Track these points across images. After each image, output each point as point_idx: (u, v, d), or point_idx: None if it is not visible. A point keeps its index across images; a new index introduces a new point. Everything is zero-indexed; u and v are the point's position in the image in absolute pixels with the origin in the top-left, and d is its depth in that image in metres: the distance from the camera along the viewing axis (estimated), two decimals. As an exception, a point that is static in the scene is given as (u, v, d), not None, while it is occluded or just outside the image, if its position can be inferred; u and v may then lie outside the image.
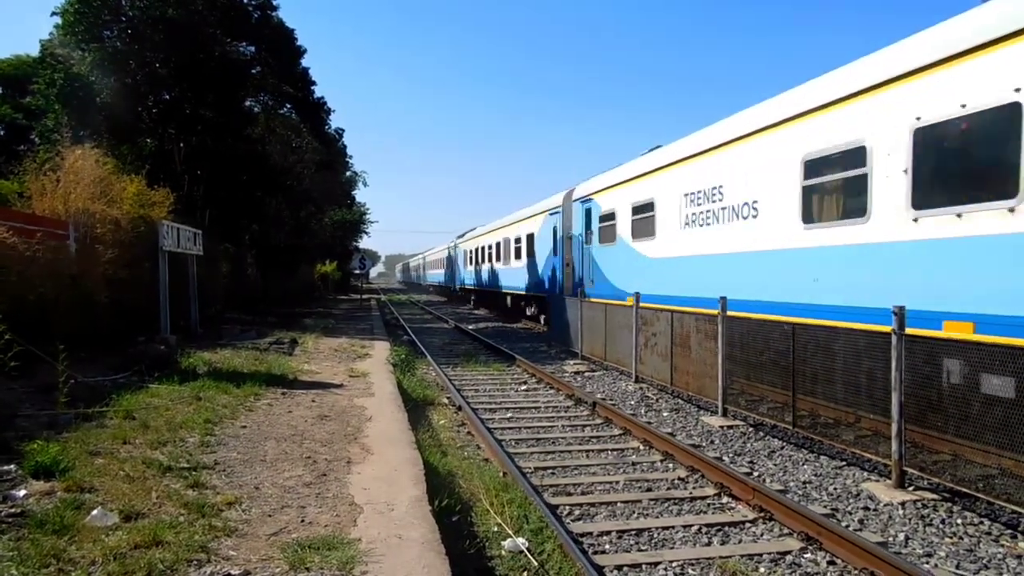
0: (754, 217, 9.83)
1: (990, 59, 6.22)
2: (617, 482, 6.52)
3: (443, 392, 11.21)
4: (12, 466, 5.19)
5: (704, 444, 7.93)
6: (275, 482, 5.38)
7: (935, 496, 5.92)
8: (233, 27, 22.14)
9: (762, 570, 4.63)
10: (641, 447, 7.85)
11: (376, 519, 4.59)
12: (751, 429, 8.50)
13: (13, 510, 4.41)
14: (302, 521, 4.53)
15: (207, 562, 3.83)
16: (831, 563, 4.71)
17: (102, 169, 13.46)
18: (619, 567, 4.66)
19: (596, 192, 16.72)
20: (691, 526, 5.36)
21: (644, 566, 4.68)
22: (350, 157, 42.56)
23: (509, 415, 9.60)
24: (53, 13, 19.50)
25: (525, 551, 4.72)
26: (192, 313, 15.95)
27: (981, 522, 5.44)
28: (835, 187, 8.42)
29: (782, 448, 7.72)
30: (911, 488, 6.12)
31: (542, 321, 22.78)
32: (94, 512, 4.34)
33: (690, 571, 4.62)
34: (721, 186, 10.73)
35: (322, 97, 27.34)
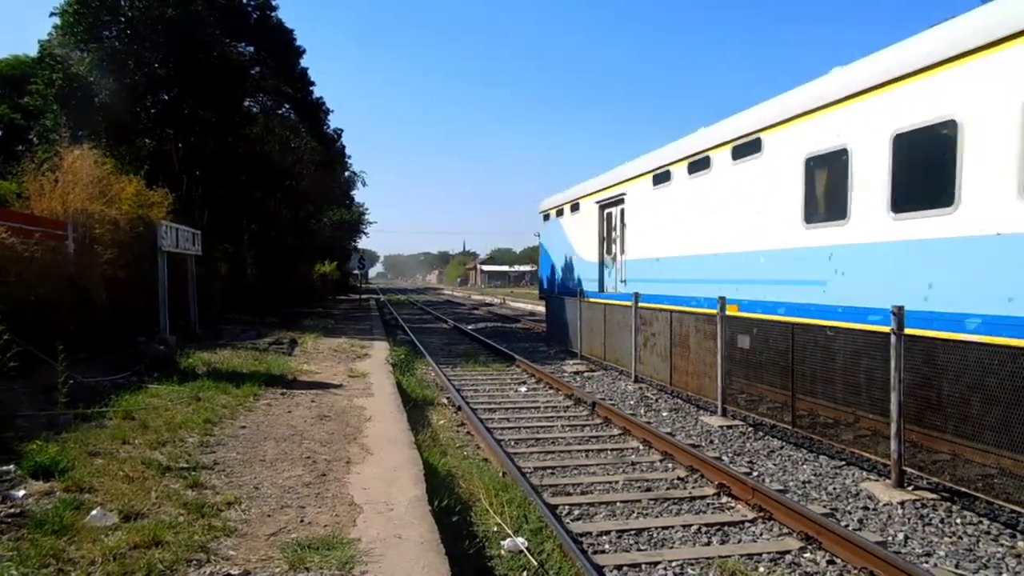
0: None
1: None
2: (616, 482, 6.52)
3: (442, 392, 11.21)
4: (11, 466, 5.18)
5: (703, 444, 7.93)
6: (274, 482, 5.38)
7: (934, 496, 5.93)
8: (232, 27, 22.15)
9: (761, 570, 4.64)
10: (640, 447, 7.85)
11: (376, 519, 4.59)
12: (750, 429, 8.50)
13: (12, 510, 4.40)
14: (301, 521, 4.53)
15: (206, 562, 3.83)
16: (830, 562, 4.72)
17: (101, 169, 13.45)
18: (618, 567, 4.67)
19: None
20: (690, 526, 5.36)
21: (643, 566, 4.68)
22: (349, 157, 42.64)
23: (508, 415, 9.60)
24: (52, 13, 19.52)
25: (524, 551, 4.72)
26: (191, 313, 15.92)
27: (980, 521, 5.44)
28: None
29: (781, 448, 7.72)
30: (910, 488, 6.13)
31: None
32: (93, 512, 4.34)
33: (689, 571, 4.62)
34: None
35: (321, 97, 27.46)
